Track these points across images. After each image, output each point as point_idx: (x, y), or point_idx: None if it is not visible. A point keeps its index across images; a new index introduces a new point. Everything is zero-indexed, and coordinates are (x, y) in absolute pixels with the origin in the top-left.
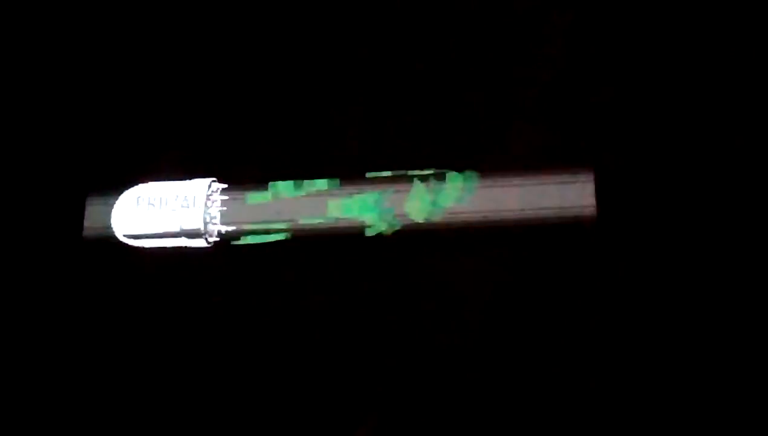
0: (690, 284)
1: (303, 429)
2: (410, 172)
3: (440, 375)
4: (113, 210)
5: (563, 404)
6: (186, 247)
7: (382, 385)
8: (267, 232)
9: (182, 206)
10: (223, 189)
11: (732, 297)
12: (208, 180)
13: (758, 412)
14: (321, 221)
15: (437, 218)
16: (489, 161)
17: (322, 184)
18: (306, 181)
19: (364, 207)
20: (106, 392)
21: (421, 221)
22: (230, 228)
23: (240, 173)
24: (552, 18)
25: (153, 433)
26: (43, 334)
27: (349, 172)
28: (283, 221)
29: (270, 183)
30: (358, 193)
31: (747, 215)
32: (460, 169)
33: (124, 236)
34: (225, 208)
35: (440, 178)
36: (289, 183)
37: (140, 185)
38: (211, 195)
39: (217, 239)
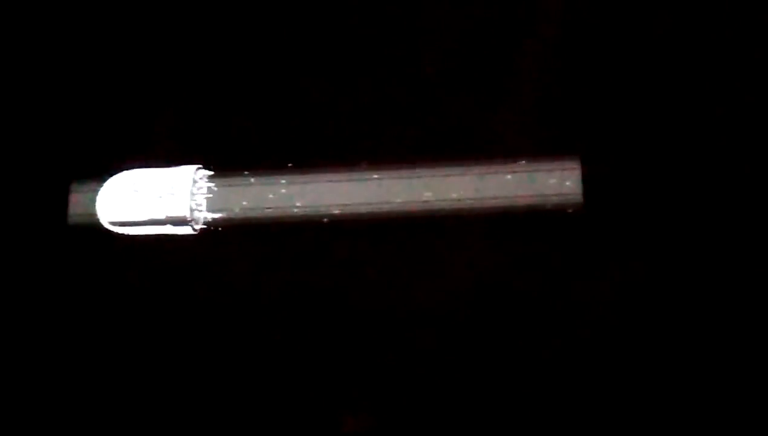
0: (678, 275)
1: (291, 418)
2: (396, 161)
3: (425, 367)
4: (98, 197)
5: (550, 397)
6: (172, 234)
7: (370, 376)
8: (254, 219)
9: (168, 193)
10: (210, 176)
11: (721, 288)
12: (194, 167)
13: (748, 408)
14: (309, 209)
15: (422, 207)
16: (473, 149)
17: (310, 171)
18: (294, 169)
19: (352, 196)
20: (93, 382)
21: (405, 210)
22: (217, 215)
23: (227, 160)
24: (541, 6)
25: (144, 423)
26: (28, 323)
27: (336, 160)
28: (271, 209)
29: (257, 170)
30: (347, 180)
31: (736, 207)
32: (445, 158)
33: (110, 223)
34: (211, 195)
35: (424, 166)
36: (278, 170)
37: (125, 172)
38: (197, 182)
39: (204, 226)
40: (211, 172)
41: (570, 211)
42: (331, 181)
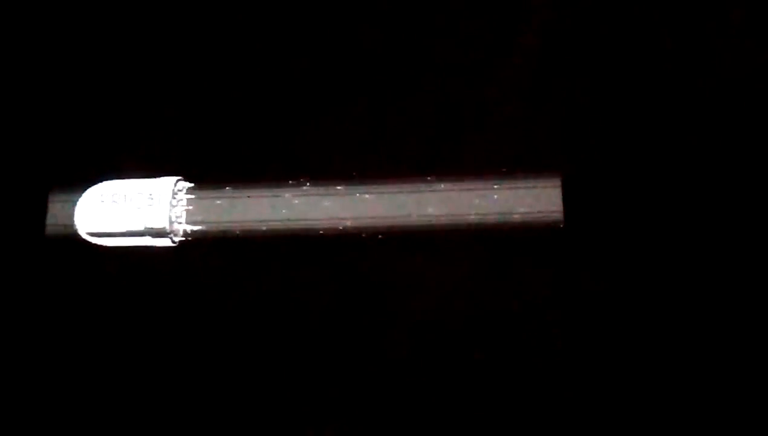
0: (656, 289)
1: (272, 426)
2: (379, 177)
3: (408, 379)
4: (76, 207)
5: (531, 409)
6: (151, 246)
7: (350, 387)
8: (232, 232)
9: (147, 205)
10: (189, 188)
11: (700, 301)
12: (174, 178)
13: (727, 417)
14: (288, 221)
15: (404, 221)
16: (456, 166)
17: (289, 184)
18: (273, 182)
19: (333, 210)
20: (69, 390)
21: (385, 225)
22: (196, 227)
23: (206, 172)
24: (522, 22)
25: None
26: (4, 333)
27: (317, 173)
28: (249, 221)
29: (237, 183)
30: (325, 194)
31: (714, 220)
32: (426, 174)
33: (88, 233)
34: (191, 207)
35: (406, 182)
36: (257, 183)
37: (104, 182)
38: (176, 194)
39: (183, 238)
40: (191, 184)
41: (550, 227)
42: (311, 194)
